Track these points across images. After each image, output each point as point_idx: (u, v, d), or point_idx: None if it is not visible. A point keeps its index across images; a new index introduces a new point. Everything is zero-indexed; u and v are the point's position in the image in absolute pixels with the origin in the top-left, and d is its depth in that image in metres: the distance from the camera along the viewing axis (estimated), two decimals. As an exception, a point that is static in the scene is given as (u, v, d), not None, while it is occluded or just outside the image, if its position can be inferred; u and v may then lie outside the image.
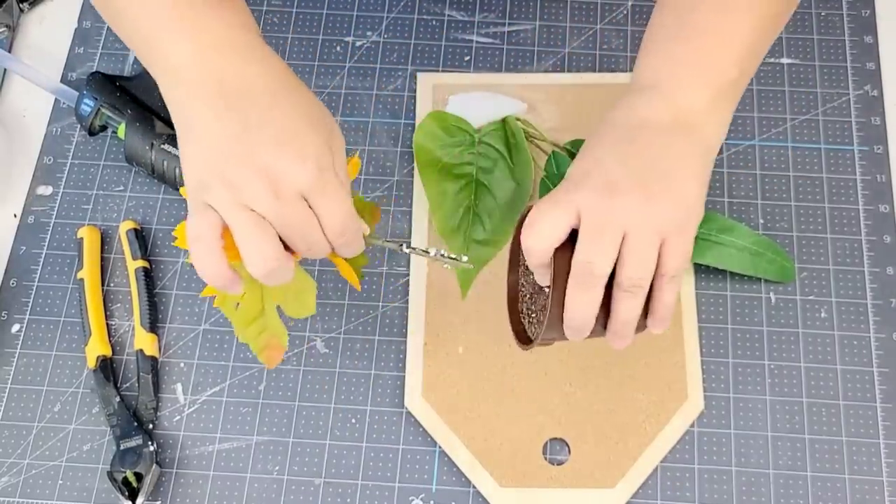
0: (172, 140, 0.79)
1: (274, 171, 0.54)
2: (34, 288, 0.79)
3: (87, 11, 0.90)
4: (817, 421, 0.73)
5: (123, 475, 0.71)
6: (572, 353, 0.75)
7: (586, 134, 0.81)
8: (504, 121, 0.81)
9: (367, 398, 0.75)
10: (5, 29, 0.89)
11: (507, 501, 0.71)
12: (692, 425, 0.73)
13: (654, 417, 0.73)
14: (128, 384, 0.75)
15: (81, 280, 0.77)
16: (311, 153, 0.55)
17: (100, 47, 0.89)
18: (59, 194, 0.82)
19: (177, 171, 0.79)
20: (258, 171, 0.54)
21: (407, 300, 0.78)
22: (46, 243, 0.81)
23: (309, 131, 0.56)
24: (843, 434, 0.72)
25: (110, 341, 0.76)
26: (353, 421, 0.74)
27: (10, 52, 0.89)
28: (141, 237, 0.79)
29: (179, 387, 0.75)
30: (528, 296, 0.65)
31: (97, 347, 0.75)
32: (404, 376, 0.75)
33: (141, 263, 0.78)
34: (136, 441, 0.72)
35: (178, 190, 0.80)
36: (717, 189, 0.81)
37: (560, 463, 0.72)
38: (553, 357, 0.75)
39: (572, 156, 0.80)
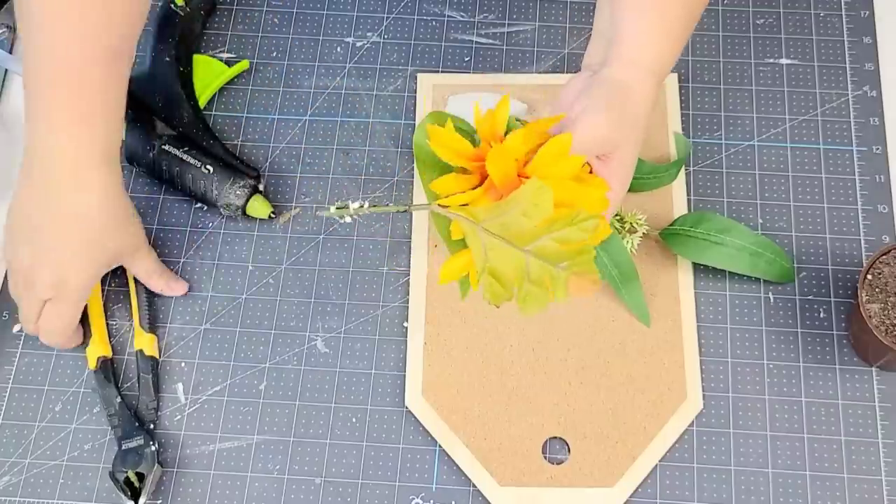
0: (173, 140, 0.79)
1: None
2: (35, 288, 0.79)
3: (88, 12, 0.91)
4: (816, 420, 0.73)
5: (125, 475, 0.71)
6: (572, 352, 0.75)
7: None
8: (504, 121, 0.81)
9: (367, 397, 0.75)
10: (6, 30, 0.89)
11: (507, 500, 0.71)
12: (691, 424, 0.73)
13: (654, 417, 0.73)
14: (128, 384, 0.76)
15: None
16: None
17: (100, 48, 0.89)
18: (60, 194, 0.83)
19: (178, 171, 0.79)
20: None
21: (407, 300, 0.78)
22: (47, 243, 0.81)
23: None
24: (842, 433, 0.73)
25: (111, 342, 0.77)
26: (354, 420, 0.74)
27: (10, 52, 0.89)
28: None
29: (180, 386, 0.76)
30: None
31: (97, 349, 0.75)
32: (404, 376, 0.75)
33: None
34: (137, 441, 0.72)
35: (178, 190, 0.80)
36: (717, 189, 0.81)
37: (559, 462, 0.72)
38: (553, 357, 0.75)
39: (572, 156, 0.80)
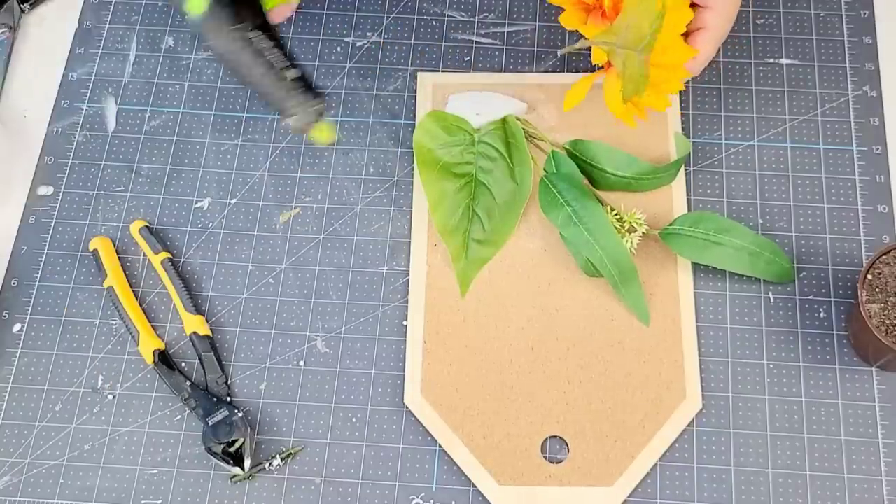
0: (262, 31, 0.68)
1: None
2: (35, 288, 0.79)
3: (88, 12, 0.91)
4: (816, 420, 0.73)
5: (222, 447, 0.72)
6: (571, 351, 0.75)
7: (586, 134, 0.82)
8: (504, 121, 0.82)
9: (367, 397, 0.75)
10: (6, 29, 0.90)
11: (507, 500, 0.71)
12: (691, 424, 0.73)
13: (653, 416, 0.73)
14: (187, 366, 0.76)
15: (110, 288, 0.77)
16: None
17: (101, 48, 0.89)
18: (60, 194, 0.83)
19: (254, 63, 0.67)
20: None
21: (407, 300, 0.78)
22: (47, 243, 0.81)
23: None
24: (842, 433, 0.73)
25: (158, 335, 0.77)
26: (354, 420, 0.74)
27: (10, 52, 0.89)
28: (154, 233, 0.80)
29: (180, 386, 0.76)
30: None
31: (150, 343, 0.75)
32: (404, 375, 0.75)
33: (164, 255, 0.78)
34: (222, 414, 0.73)
35: (244, 84, 0.73)
36: (716, 189, 0.81)
37: (559, 461, 0.72)
38: (552, 356, 0.75)
39: (572, 156, 0.80)
